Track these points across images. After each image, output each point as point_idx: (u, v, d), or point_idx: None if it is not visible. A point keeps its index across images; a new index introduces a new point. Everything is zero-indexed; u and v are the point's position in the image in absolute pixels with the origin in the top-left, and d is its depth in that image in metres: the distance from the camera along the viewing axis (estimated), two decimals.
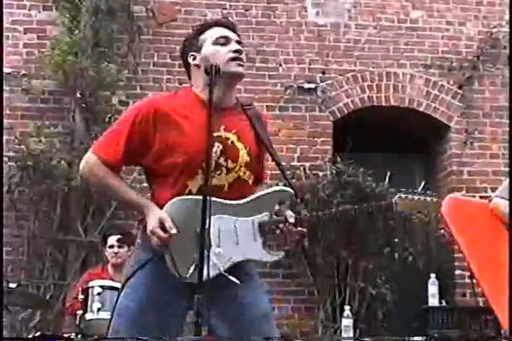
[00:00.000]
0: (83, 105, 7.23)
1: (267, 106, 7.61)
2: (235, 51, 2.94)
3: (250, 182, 2.97)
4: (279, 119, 7.59)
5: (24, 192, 7.00)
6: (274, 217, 2.92)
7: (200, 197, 2.65)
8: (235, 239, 2.86)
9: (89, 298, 5.02)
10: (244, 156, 2.94)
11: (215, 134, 2.83)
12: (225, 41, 2.97)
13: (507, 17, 8.01)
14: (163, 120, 2.89)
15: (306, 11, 7.98)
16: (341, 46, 7.93)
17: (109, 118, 7.22)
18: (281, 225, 2.87)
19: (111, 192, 2.99)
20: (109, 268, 5.82)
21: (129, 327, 2.84)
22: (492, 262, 3.77)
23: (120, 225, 6.67)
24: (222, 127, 2.92)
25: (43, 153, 6.92)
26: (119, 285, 5.07)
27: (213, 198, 2.71)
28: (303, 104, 7.69)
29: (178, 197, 2.84)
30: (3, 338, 4.77)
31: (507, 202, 3.86)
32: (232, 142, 2.94)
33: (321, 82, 7.79)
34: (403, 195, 3.00)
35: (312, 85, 7.76)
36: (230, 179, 2.90)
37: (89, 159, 2.94)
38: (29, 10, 7.67)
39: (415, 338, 4.32)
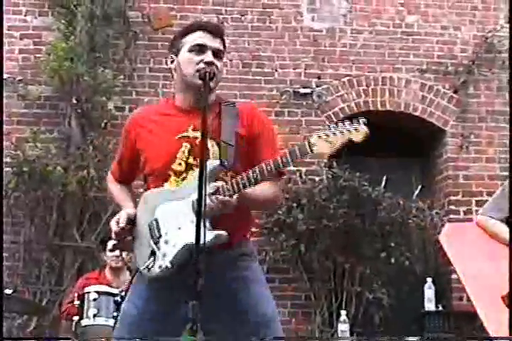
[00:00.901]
0: (79, 111, 7.23)
1: (262, 111, 7.61)
2: (207, 63, 2.90)
3: (227, 178, 2.85)
4: (275, 124, 7.50)
5: (20, 198, 7.00)
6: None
7: (160, 189, 2.86)
8: (176, 223, 2.82)
9: (85, 303, 5.01)
10: (215, 154, 2.87)
11: (182, 135, 2.89)
12: (200, 49, 2.92)
13: (502, 21, 8.05)
14: (139, 131, 3.00)
15: (301, 16, 7.99)
16: (337, 51, 7.94)
17: (105, 123, 7.25)
18: (208, 200, 2.68)
19: (114, 200, 3.21)
20: (107, 272, 5.82)
21: (130, 333, 2.87)
22: (482, 278, 3.81)
23: None
24: (191, 127, 2.90)
25: (39, 158, 6.92)
26: (115, 290, 5.13)
27: (158, 188, 2.88)
28: (299, 108, 7.70)
29: (144, 193, 2.97)
30: (3, 338, 4.77)
31: (492, 221, 3.90)
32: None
33: (317, 86, 7.80)
34: (321, 134, 2.65)
35: (308, 90, 7.77)
36: None
37: (108, 175, 3.28)
38: (25, 15, 7.68)
39: (410, 338, 4.32)
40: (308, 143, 2.66)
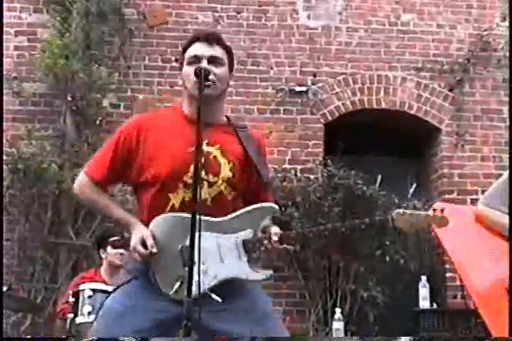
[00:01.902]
0: (74, 108, 7.23)
1: (258, 108, 7.63)
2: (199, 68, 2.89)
3: (230, 198, 2.94)
4: (270, 122, 7.59)
5: (15, 196, 6.98)
6: (259, 234, 2.88)
7: (185, 215, 2.71)
8: (218, 256, 2.83)
9: (80, 301, 4.98)
10: (226, 171, 2.94)
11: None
12: (195, 61, 2.95)
13: (497, 20, 8.05)
14: (146, 135, 2.96)
15: (297, 14, 7.99)
16: (332, 49, 7.93)
17: (100, 121, 7.24)
18: (265, 242, 2.84)
19: (99, 209, 3.08)
20: (103, 271, 5.78)
21: (108, 326, 2.86)
22: (480, 270, 3.79)
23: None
24: (205, 141, 2.90)
25: (34, 156, 6.90)
26: (110, 288, 5.05)
27: (186, 214, 2.74)
28: (294, 106, 7.69)
29: (163, 215, 2.87)
30: (3, 338, 4.76)
31: (494, 212, 3.87)
32: (215, 157, 2.94)
33: (312, 84, 7.80)
34: (401, 211, 2.89)
35: (303, 88, 7.77)
36: (213, 193, 2.90)
37: (80, 178, 3.08)
38: (20, 12, 7.66)
39: (403, 338, 4.31)
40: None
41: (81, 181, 3.07)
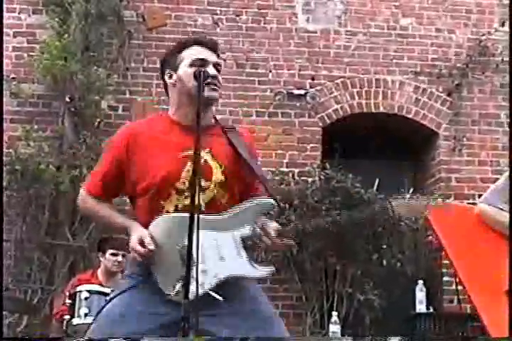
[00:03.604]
0: (72, 109, 7.22)
1: (256, 111, 7.63)
2: (211, 76, 2.90)
3: (224, 201, 2.92)
4: (269, 125, 7.60)
5: (12, 197, 6.97)
6: (257, 230, 2.86)
7: (183, 214, 2.69)
8: (218, 254, 2.81)
9: (77, 302, 4.99)
10: (218, 175, 2.92)
11: (186, 153, 2.85)
12: (202, 64, 2.94)
13: (496, 25, 8.07)
14: (134, 145, 2.94)
15: (296, 17, 8.00)
16: (331, 52, 7.95)
17: (98, 122, 7.24)
18: (264, 238, 2.83)
19: (100, 220, 3.12)
20: (99, 273, 5.77)
21: (107, 328, 2.84)
22: (479, 269, 3.79)
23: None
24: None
25: (32, 157, 6.90)
26: (107, 290, 5.09)
27: (185, 213, 2.73)
28: (292, 110, 7.69)
29: (162, 216, 2.86)
30: (3, 338, 4.76)
31: (495, 209, 3.88)
32: (206, 161, 2.91)
33: (311, 88, 7.81)
34: (399, 198, 2.89)
35: (302, 91, 7.77)
36: (206, 199, 2.87)
37: (81, 192, 3.11)
38: (19, 13, 7.66)
39: (394, 338, 4.32)
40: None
41: (81, 195, 3.09)
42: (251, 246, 2.85)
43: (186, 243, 2.58)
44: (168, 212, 2.87)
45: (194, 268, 2.57)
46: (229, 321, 2.85)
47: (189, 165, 2.85)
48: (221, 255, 2.81)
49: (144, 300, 2.85)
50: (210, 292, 2.73)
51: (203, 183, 2.86)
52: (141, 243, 2.80)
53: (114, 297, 2.92)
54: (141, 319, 2.82)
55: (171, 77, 3.00)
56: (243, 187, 3.01)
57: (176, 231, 2.78)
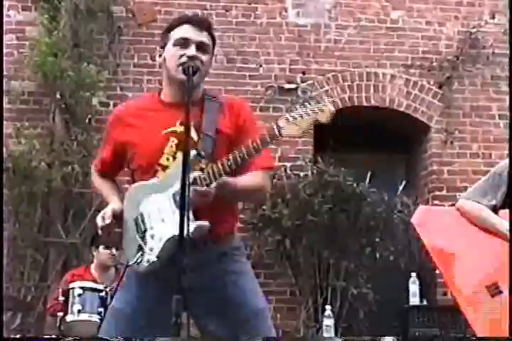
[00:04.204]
0: (63, 106, 7.21)
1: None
2: (189, 57, 2.88)
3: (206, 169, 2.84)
4: (260, 120, 7.54)
5: (4, 194, 6.95)
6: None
7: (143, 183, 2.86)
8: (159, 216, 2.82)
9: (70, 299, 5.00)
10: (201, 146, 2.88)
11: (169, 129, 2.88)
12: (184, 43, 2.91)
13: (486, 17, 8.07)
14: (126, 122, 3.00)
15: (286, 12, 7.99)
16: (322, 46, 7.94)
17: (89, 119, 7.22)
18: (191, 189, 2.70)
19: (102, 195, 3.18)
20: (92, 269, 5.78)
21: (124, 330, 2.87)
22: (460, 264, 3.82)
23: None
24: (178, 122, 2.88)
25: (23, 154, 6.88)
26: (100, 286, 5.12)
27: (142, 182, 2.88)
28: (283, 104, 7.68)
29: (130, 187, 2.96)
30: (3, 338, 4.76)
31: (473, 204, 3.89)
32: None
33: (302, 82, 7.81)
34: (289, 116, 2.62)
35: (293, 85, 7.77)
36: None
37: (91, 170, 3.29)
38: (8, 10, 7.62)
39: (386, 338, 4.33)
40: (278, 127, 2.63)
41: (92, 174, 3.26)
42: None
43: (140, 210, 2.74)
44: None
45: (145, 236, 2.73)
46: (217, 312, 2.87)
47: (172, 141, 2.87)
48: (162, 217, 2.81)
49: (146, 290, 2.88)
50: (197, 222, 2.70)
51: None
52: (102, 216, 2.90)
53: (115, 290, 3.01)
54: (150, 311, 2.86)
55: (160, 56, 3.01)
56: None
57: (134, 201, 2.88)
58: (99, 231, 2.91)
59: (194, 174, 2.71)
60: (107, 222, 2.86)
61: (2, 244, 6.31)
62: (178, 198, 2.72)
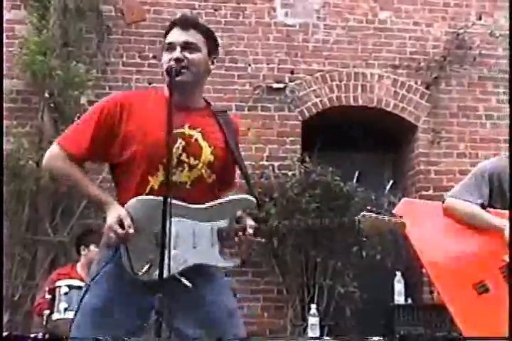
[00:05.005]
0: (52, 105, 7.21)
1: (235, 105, 7.65)
2: (174, 59, 2.92)
3: (210, 181, 2.95)
4: (248, 119, 7.61)
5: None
6: (235, 224, 2.92)
7: (159, 198, 2.67)
8: (192, 242, 2.85)
9: (56, 297, 5.01)
10: (207, 154, 2.94)
11: (177, 131, 2.85)
12: (170, 47, 2.96)
13: (473, 18, 8.12)
14: (127, 114, 2.92)
15: (275, 12, 8.02)
16: (310, 46, 7.98)
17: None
18: (240, 233, 2.87)
19: (74, 184, 2.95)
20: (79, 267, 5.81)
21: (92, 323, 2.85)
22: (447, 263, 3.84)
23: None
24: (187, 125, 2.92)
25: (12, 152, 6.88)
26: None
27: (176, 201, 2.73)
28: (272, 103, 7.72)
29: (139, 197, 2.84)
30: (3, 338, 4.77)
31: (461, 201, 3.92)
32: (196, 140, 2.94)
33: (290, 81, 7.84)
34: (367, 214, 2.94)
35: (281, 85, 7.81)
36: (192, 176, 2.90)
37: (52, 150, 2.97)
38: None
39: (374, 338, 4.36)
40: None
41: (53, 153, 2.96)
42: (226, 239, 2.89)
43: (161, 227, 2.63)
44: (152, 187, 2.87)
45: (165, 253, 2.61)
46: (195, 315, 2.89)
47: (179, 143, 2.88)
48: (195, 244, 2.85)
49: (120, 287, 2.86)
50: (182, 278, 2.78)
51: (192, 161, 2.91)
52: (121, 223, 2.78)
53: (88, 284, 2.92)
54: (127, 311, 2.85)
55: (160, 60, 3.05)
56: (224, 174, 3.05)
57: (153, 214, 2.75)
58: (115, 239, 2.79)
59: (255, 225, 2.92)
60: (131, 231, 2.77)
61: (2, 244, 6.32)
62: (225, 234, 2.89)
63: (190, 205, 2.87)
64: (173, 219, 2.62)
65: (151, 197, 2.85)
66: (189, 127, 2.93)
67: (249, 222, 2.94)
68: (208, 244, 2.86)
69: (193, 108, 3.00)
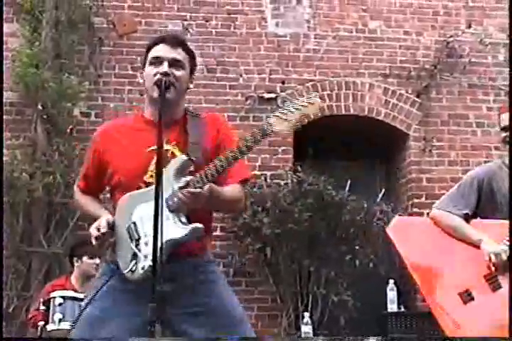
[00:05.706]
0: (45, 117, 7.23)
1: (227, 116, 7.66)
2: (161, 73, 2.96)
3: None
4: (240, 129, 7.61)
5: None
6: (175, 190, 2.82)
7: (142, 190, 2.89)
8: (153, 223, 2.80)
9: (51, 308, 5.03)
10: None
11: (152, 148, 2.89)
12: (157, 61, 3.00)
13: (463, 26, 8.18)
14: (110, 144, 3.07)
15: (265, 22, 8.07)
16: (301, 56, 8.02)
17: (71, 129, 7.26)
18: (179, 195, 2.80)
19: (83, 211, 3.28)
20: (73, 279, 5.81)
21: (88, 332, 2.90)
22: (434, 272, 3.89)
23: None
24: (164, 140, 2.91)
25: (5, 164, 6.88)
26: (81, 295, 5.13)
27: (134, 191, 2.92)
28: (263, 113, 7.74)
29: (131, 192, 2.96)
30: (3, 338, 4.78)
31: (444, 213, 3.98)
32: (173, 153, 2.97)
33: (281, 91, 7.87)
34: (278, 113, 2.73)
35: (272, 95, 7.84)
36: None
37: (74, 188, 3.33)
38: None
39: (371, 338, 4.39)
40: (268, 123, 2.74)
41: (75, 193, 3.30)
42: (172, 206, 2.83)
43: (133, 220, 2.79)
44: None
45: (139, 243, 2.77)
46: (199, 319, 2.92)
47: (155, 159, 2.89)
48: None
49: (121, 299, 2.92)
50: (192, 225, 2.80)
51: None
52: (97, 227, 2.92)
53: (91, 299, 2.96)
54: (121, 321, 2.89)
55: (141, 75, 3.11)
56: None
57: (125, 211, 2.92)
58: (93, 242, 2.92)
59: (187, 178, 2.80)
60: (103, 230, 2.89)
61: (2, 246, 6.33)
62: (170, 202, 2.81)
63: (145, 189, 2.92)
64: (137, 207, 2.86)
65: (141, 190, 2.93)
66: (166, 142, 2.93)
67: (183, 179, 2.84)
68: (164, 219, 2.69)
69: (170, 122, 2.98)
